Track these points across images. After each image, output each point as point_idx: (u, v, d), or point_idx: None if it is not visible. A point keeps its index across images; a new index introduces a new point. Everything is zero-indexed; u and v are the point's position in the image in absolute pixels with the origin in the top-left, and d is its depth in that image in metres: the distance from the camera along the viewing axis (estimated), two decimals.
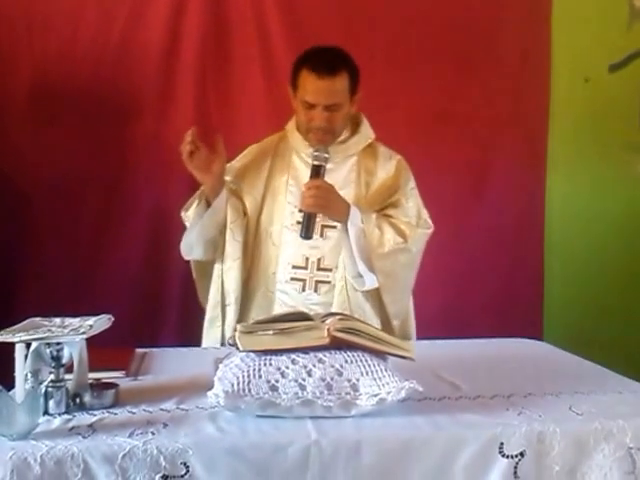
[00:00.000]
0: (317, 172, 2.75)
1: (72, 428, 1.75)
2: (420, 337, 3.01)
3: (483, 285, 4.21)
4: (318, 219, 2.75)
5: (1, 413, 1.66)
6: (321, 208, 2.72)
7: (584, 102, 4.31)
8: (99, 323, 1.96)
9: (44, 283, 3.73)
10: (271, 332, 1.91)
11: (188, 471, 1.65)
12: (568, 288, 4.34)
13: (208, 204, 2.84)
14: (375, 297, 2.89)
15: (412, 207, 2.93)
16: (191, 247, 2.90)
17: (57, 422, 1.79)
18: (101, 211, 3.83)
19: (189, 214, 2.89)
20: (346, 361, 1.87)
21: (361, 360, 1.88)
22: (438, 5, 4.07)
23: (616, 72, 4.30)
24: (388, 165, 2.96)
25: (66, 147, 3.75)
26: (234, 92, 3.91)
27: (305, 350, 1.89)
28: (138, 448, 1.64)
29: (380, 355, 1.94)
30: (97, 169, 3.78)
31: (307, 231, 2.70)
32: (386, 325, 2.87)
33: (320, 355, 1.88)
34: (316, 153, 2.75)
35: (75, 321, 1.96)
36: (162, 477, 1.64)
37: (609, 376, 2.29)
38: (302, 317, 2.00)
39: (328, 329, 1.90)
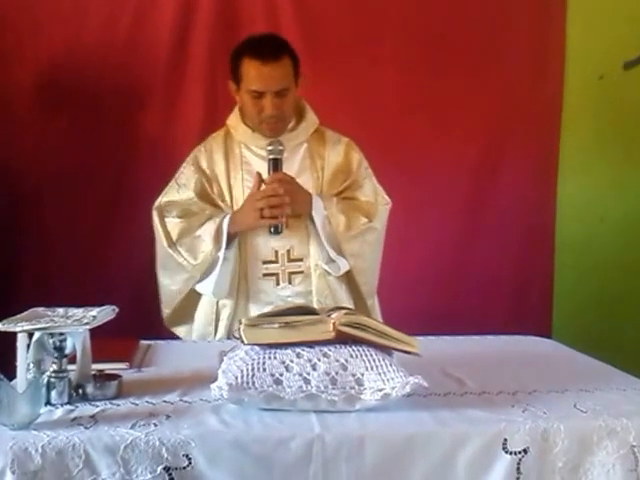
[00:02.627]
0: (275, 165, 2.74)
1: (74, 419, 1.75)
2: (428, 333, 3.01)
3: (494, 283, 4.21)
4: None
5: (2, 402, 1.66)
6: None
7: (598, 100, 4.29)
8: (103, 314, 1.96)
9: (47, 275, 3.75)
10: (276, 325, 1.90)
11: (190, 463, 1.65)
12: (578, 287, 4.32)
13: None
14: (346, 280, 2.92)
15: (369, 186, 2.95)
16: (225, 290, 2.83)
17: (59, 413, 1.79)
18: (106, 204, 3.84)
19: (205, 259, 2.80)
20: (351, 356, 1.87)
21: (366, 355, 1.87)
22: (451, 4, 4.07)
23: (631, 69, 4.28)
24: (337, 148, 2.96)
25: (72, 141, 3.77)
26: None
27: (310, 344, 1.88)
28: (140, 439, 1.64)
29: (385, 350, 1.93)
30: (103, 163, 3.80)
31: (276, 226, 2.71)
32: (360, 306, 2.89)
33: (325, 349, 1.87)
34: (270, 147, 2.74)
35: (79, 311, 1.96)
36: (164, 469, 1.64)
37: (615, 374, 2.28)
38: (307, 311, 2.00)
39: (333, 323, 1.89)
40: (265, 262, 2.85)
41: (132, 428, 1.68)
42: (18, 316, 1.90)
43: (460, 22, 4.06)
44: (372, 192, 2.94)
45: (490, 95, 4.10)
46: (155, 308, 3.77)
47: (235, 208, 2.86)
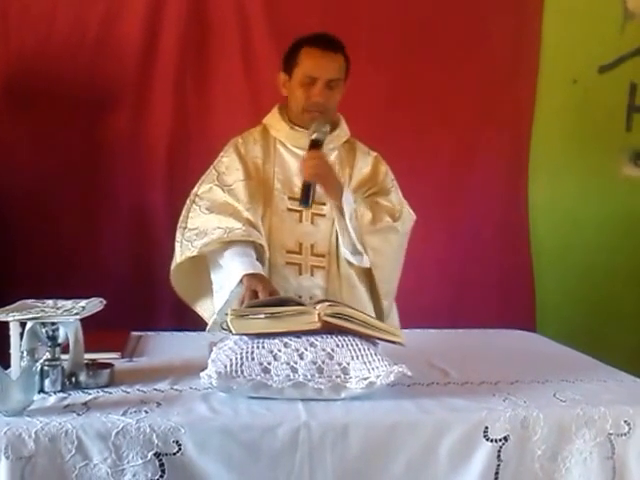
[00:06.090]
0: (316, 145, 2.78)
1: (67, 406, 1.79)
2: (413, 327, 3.05)
3: (476, 284, 4.24)
4: (314, 204, 2.77)
5: None
6: (321, 178, 2.75)
7: (571, 103, 4.30)
8: (91, 305, 2.00)
9: (32, 278, 3.71)
10: (263, 316, 1.94)
11: (180, 449, 1.69)
12: (560, 286, 4.35)
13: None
14: (366, 280, 2.94)
15: (395, 196, 2.98)
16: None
17: (52, 400, 1.83)
18: (83, 202, 3.83)
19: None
20: (337, 345, 1.91)
21: (352, 344, 1.92)
22: (426, 2, 4.08)
23: (605, 73, 4.31)
24: (366, 160, 3.00)
25: (44, 142, 3.76)
26: (213, 83, 3.91)
27: (297, 334, 1.93)
28: (131, 426, 1.68)
29: (370, 340, 1.98)
30: (77, 162, 3.79)
31: (307, 198, 2.71)
32: (377, 307, 2.92)
33: (312, 339, 1.92)
34: (315, 126, 2.78)
35: (68, 303, 2.00)
36: (154, 455, 1.68)
37: (597, 366, 2.34)
38: (292, 301, 2.05)
39: (318, 314, 1.93)
40: (289, 251, 2.88)
41: (123, 415, 1.72)
42: (8, 307, 1.94)
43: (435, 22, 4.06)
44: (398, 202, 2.98)
45: (462, 98, 4.11)
46: (146, 302, 3.83)
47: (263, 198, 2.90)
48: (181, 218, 2.88)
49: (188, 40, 3.87)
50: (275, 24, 3.83)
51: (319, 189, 2.77)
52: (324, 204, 2.86)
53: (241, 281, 2.65)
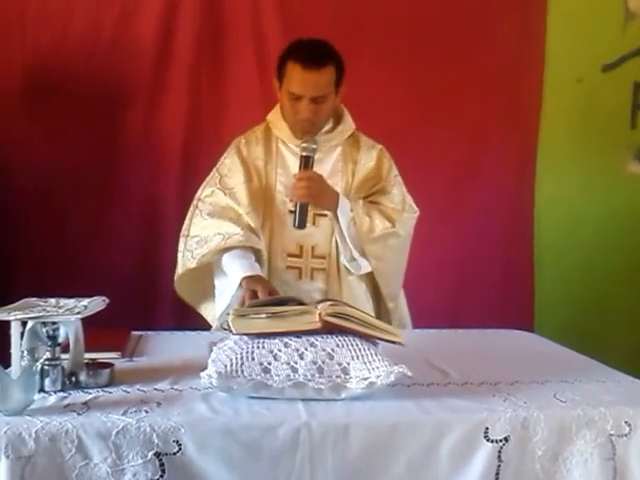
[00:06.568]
0: (306, 163, 2.78)
1: (67, 405, 1.78)
2: (413, 327, 3.06)
3: (476, 283, 4.25)
4: (310, 208, 2.78)
5: None
6: (313, 198, 2.76)
7: (576, 102, 4.32)
8: (93, 304, 2.00)
9: (37, 272, 3.74)
10: (264, 315, 1.94)
11: (180, 449, 1.68)
12: (558, 284, 4.36)
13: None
14: (368, 281, 2.94)
15: (397, 194, 2.98)
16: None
17: (52, 399, 1.83)
18: (94, 200, 3.86)
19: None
20: (337, 345, 1.91)
21: (352, 344, 1.92)
22: (434, 3, 4.09)
23: (609, 72, 4.32)
24: (371, 154, 3.00)
25: (58, 139, 3.77)
26: (227, 81, 3.94)
27: (297, 334, 1.92)
28: (132, 425, 1.68)
29: (371, 340, 1.98)
30: (91, 161, 3.81)
31: (300, 221, 2.74)
32: (380, 308, 2.92)
33: (312, 339, 1.92)
34: (304, 144, 2.77)
35: (70, 302, 2.00)
36: (155, 454, 1.68)
37: (595, 366, 2.33)
38: (293, 301, 2.05)
39: (319, 314, 1.93)
40: (290, 255, 2.90)
41: (124, 415, 1.72)
42: (10, 306, 1.94)
43: (443, 23, 4.08)
44: (400, 200, 2.98)
45: (468, 98, 4.12)
46: (145, 301, 3.83)
47: (264, 200, 2.91)
48: (184, 226, 2.90)
49: (202, 39, 3.90)
50: (288, 23, 3.85)
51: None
52: None
53: (240, 285, 2.67)
